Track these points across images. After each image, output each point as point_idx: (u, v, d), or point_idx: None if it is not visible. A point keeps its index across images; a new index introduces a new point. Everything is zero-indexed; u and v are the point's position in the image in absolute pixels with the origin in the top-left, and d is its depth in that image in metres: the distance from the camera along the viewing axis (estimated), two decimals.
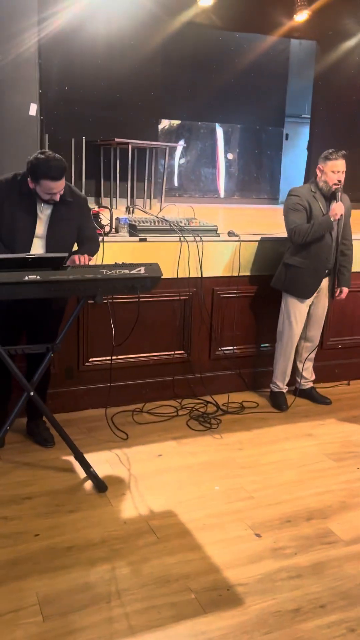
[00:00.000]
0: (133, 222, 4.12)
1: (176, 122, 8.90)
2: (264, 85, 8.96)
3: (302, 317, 4.13)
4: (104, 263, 3.50)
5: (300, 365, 4.34)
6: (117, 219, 4.10)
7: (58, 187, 3.05)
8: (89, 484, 3.16)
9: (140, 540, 2.72)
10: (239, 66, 8.62)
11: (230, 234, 4.30)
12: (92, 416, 3.98)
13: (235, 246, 4.26)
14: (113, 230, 4.09)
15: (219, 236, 4.25)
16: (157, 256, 3.72)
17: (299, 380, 4.39)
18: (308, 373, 4.40)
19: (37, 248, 3.20)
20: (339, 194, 3.89)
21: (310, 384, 4.44)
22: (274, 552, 2.68)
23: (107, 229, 4.02)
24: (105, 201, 7.12)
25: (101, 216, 4.06)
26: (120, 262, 3.08)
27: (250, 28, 8.11)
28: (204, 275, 4.17)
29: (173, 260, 4.05)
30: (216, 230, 4.26)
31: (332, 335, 4.74)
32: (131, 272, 2.95)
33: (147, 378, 4.23)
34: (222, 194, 9.41)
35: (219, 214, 7.11)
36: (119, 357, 4.04)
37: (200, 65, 8.41)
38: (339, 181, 3.90)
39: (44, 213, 3.19)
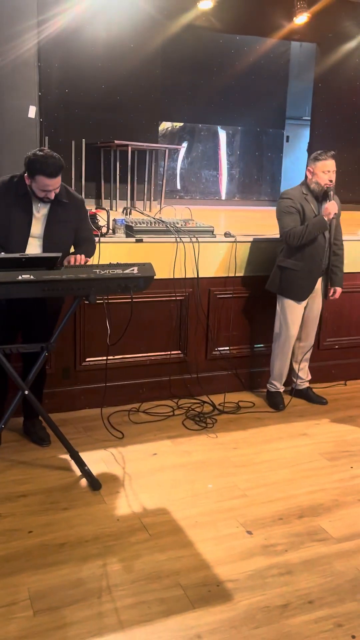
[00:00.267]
0: (130, 223, 4.16)
1: (178, 125, 8.94)
2: (264, 87, 8.99)
3: (298, 318, 4.16)
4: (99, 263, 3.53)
5: (296, 366, 4.36)
6: (114, 220, 4.14)
7: (53, 184, 3.08)
8: (83, 482, 3.19)
9: (132, 537, 2.75)
10: (239, 68, 8.66)
11: (226, 235, 4.33)
12: (88, 416, 4.00)
13: (231, 247, 4.28)
14: (110, 231, 4.12)
15: (215, 237, 4.28)
16: (153, 257, 3.75)
17: (295, 381, 4.42)
18: (304, 373, 4.43)
19: (34, 248, 3.23)
20: (332, 193, 3.91)
21: (307, 384, 4.46)
22: (265, 549, 2.70)
23: (104, 230, 4.05)
24: (105, 203, 7.16)
25: (98, 217, 4.09)
26: (115, 263, 3.11)
27: (250, 31, 8.15)
28: (200, 276, 4.20)
29: (169, 261, 4.08)
30: (212, 232, 4.29)
31: (329, 336, 4.77)
32: (124, 272, 2.98)
33: (144, 378, 4.26)
34: (223, 196, 9.44)
35: (219, 216, 7.13)
36: (116, 357, 4.07)
37: (201, 67, 8.45)
38: (331, 181, 3.92)
39: (40, 213, 3.22)
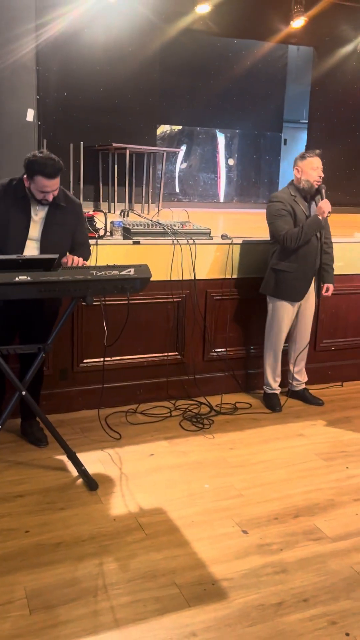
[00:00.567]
0: (127, 226, 4.18)
1: (176, 128, 8.98)
2: (262, 90, 9.02)
3: (290, 319, 4.18)
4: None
5: (291, 367, 4.38)
6: (112, 222, 4.16)
7: (51, 186, 3.11)
8: (80, 482, 3.21)
9: (128, 536, 2.76)
10: (237, 72, 8.69)
11: (223, 237, 4.35)
12: (86, 417, 4.02)
13: (228, 249, 4.31)
14: (107, 233, 4.14)
15: (212, 239, 4.30)
16: (151, 259, 3.78)
17: (291, 382, 4.43)
18: (301, 375, 4.44)
19: (32, 250, 3.25)
20: (324, 191, 3.93)
21: (303, 386, 4.48)
22: (260, 548, 2.71)
23: (101, 232, 4.08)
24: (103, 206, 7.17)
25: (96, 219, 4.11)
26: (112, 264, 3.13)
27: (248, 34, 8.19)
28: (197, 278, 4.22)
29: (166, 262, 4.11)
30: (209, 234, 4.31)
31: (326, 337, 4.79)
32: (121, 273, 3.00)
33: (141, 379, 4.28)
34: (222, 198, 9.47)
35: (217, 219, 7.15)
36: (113, 358, 4.09)
37: (198, 71, 8.49)
38: (321, 177, 3.94)
39: (38, 216, 3.24)
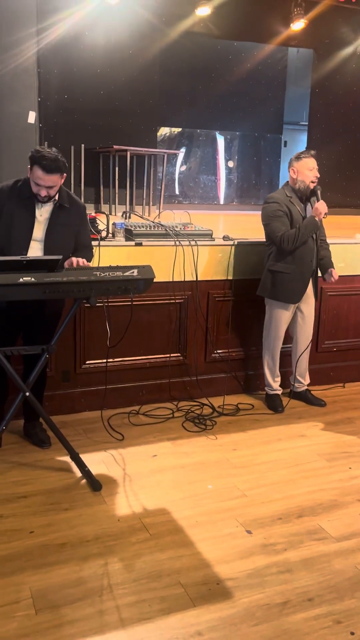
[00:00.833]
0: (129, 227, 4.19)
1: (176, 130, 9.00)
2: (262, 93, 9.04)
3: (287, 320, 4.19)
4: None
5: (294, 369, 4.39)
6: (114, 223, 4.17)
7: (45, 180, 3.10)
8: (84, 483, 3.22)
9: (133, 537, 2.77)
10: (237, 74, 8.71)
11: (225, 238, 4.37)
12: (88, 418, 4.03)
13: (230, 250, 4.32)
14: (110, 235, 4.16)
15: (213, 240, 4.31)
16: (153, 260, 3.79)
17: (293, 383, 4.44)
18: (303, 377, 4.44)
19: (36, 251, 3.26)
20: (319, 192, 3.94)
21: (305, 387, 4.48)
22: (264, 548, 2.72)
23: (103, 233, 4.09)
24: (104, 208, 7.18)
25: (98, 221, 4.12)
26: (115, 265, 3.14)
27: (248, 37, 8.22)
28: (199, 279, 4.23)
29: (168, 264, 4.12)
30: (211, 235, 4.32)
31: (327, 338, 4.80)
32: (124, 274, 3.01)
33: (144, 380, 4.29)
34: (222, 200, 9.49)
35: (218, 220, 7.16)
36: (116, 359, 4.10)
37: (199, 73, 8.51)
38: (317, 178, 3.96)
39: (42, 216, 3.26)
